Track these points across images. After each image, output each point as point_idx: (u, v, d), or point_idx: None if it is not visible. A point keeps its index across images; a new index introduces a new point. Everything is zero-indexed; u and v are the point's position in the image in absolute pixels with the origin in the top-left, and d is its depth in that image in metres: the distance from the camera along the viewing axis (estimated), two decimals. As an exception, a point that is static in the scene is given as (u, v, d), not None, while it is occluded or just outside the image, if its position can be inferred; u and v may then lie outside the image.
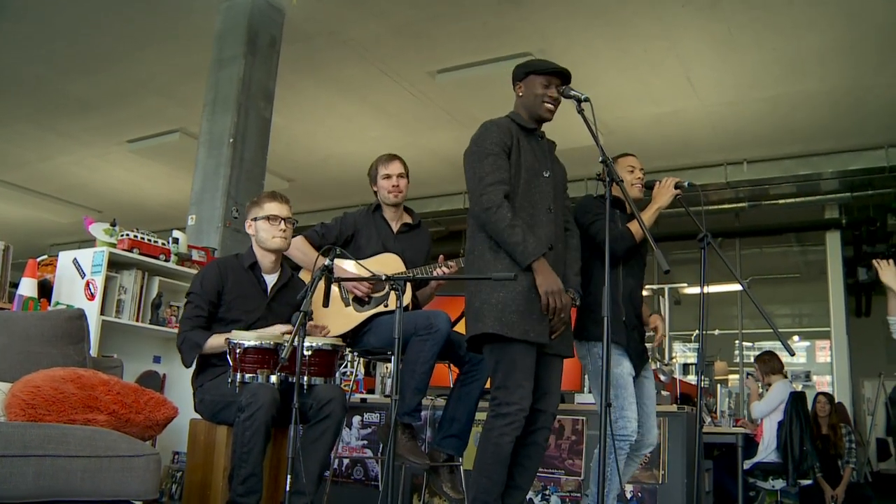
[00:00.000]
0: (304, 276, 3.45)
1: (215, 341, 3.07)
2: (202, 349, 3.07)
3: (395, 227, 3.51)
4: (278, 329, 3.12)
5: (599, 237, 3.02)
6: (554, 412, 2.84)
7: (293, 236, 3.37)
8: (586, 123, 2.64)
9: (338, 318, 3.33)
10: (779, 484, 5.64)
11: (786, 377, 6.23)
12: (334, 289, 3.33)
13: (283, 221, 3.25)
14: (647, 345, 3.44)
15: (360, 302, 3.33)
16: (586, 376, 4.74)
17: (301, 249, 3.37)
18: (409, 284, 3.31)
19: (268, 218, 3.24)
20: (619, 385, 3.08)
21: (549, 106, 2.87)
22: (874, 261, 3.90)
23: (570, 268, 2.91)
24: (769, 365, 6.12)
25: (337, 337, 3.28)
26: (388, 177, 3.47)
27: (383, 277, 2.69)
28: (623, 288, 3.22)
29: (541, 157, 2.87)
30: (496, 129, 2.79)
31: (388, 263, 3.33)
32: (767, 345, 9.35)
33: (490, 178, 2.69)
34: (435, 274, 3.28)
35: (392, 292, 3.07)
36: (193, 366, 3.19)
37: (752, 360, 10.67)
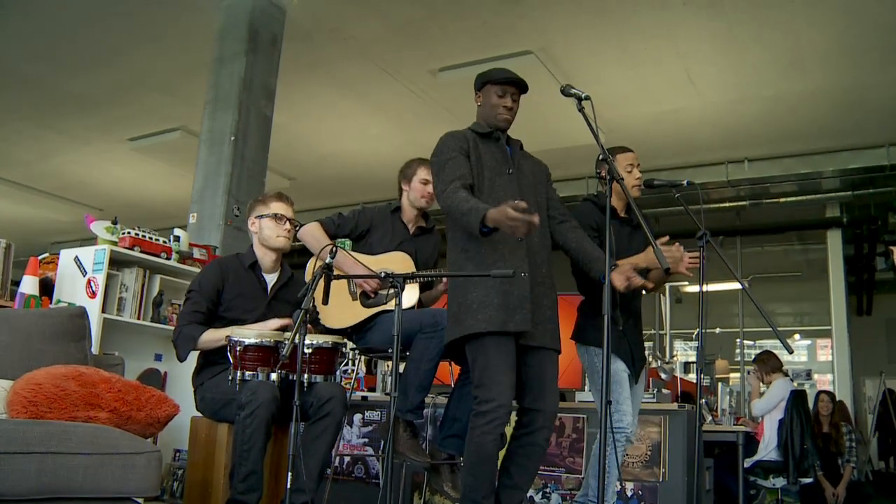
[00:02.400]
0: (311, 265, 3.45)
1: (210, 336, 3.08)
2: (196, 343, 3.08)
3: (411, 229, 3.53)
4: (274, 323, 3.13)
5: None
6: (553, 410, 2.81)
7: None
8: (587, 121, 2.65)
9: (344, 310, 3.33)
10: (779, 482, 5.64)
11: (786, 375, 6.23)
12: (342, 281, 3.34)
13: (287, 221, 3.28)
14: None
15: (366, 297, 3.33)
16: (587, 375, 4.75)
17: (315, 236, 3.37)
18: (416, 285, 3.32)
19: (274, 216, 3.26)
20: (614, 381, 3.12)
21: (505, 116, 2.90)
22: (891, 247, 3.93)
23: (590, 254, 2.88)
24: (768, 364, 6.13)
25: (340, 331, 3.29)
26: (427, 182, 3.45)
27: (382, 275, 2.70)
28: (620, 296, 3.23)
29: (500, 157, 2.89)
30: (451, 138, 2.86)
31: (398, 261, 3.34)
32: (768, 343, 9.35)
33: (448, 177, 2.74)
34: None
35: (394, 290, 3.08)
36: (191, 362, 3.21)
37: (752, 358, 10.70)
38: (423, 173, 3.48)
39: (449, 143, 2.84)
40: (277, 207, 3.29)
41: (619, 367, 3.20)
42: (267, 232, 3.28)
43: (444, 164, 2.79)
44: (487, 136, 2.92)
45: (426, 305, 3.52)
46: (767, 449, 5.75)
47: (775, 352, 6.38)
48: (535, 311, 2.74)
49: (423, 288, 3.48)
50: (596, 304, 3.22)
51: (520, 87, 2.91)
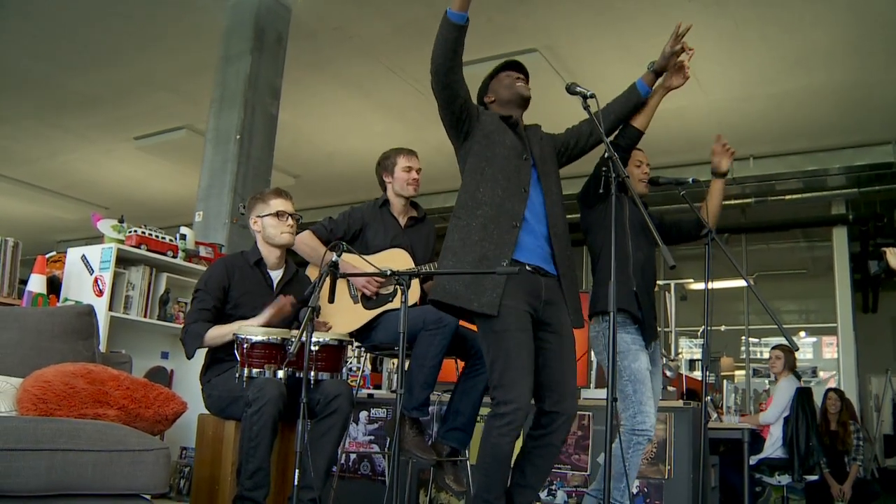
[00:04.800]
0: (311, 272, 3.47)
1: (216, 332, 3.10)
2: (203, 340, 3.09)
3: (402, 221, 3.52)
4: (270, 310, 3.13)
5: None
6: (572, 413, 2.75)
7: (299, 231, 3.40)
8: (592, 120, 2.65)
9: (346, 315, 3.34)
10: (785, 479, 5.64)
11: (795, 374, 6.19)
12: (343, 285, 3.34)
13: (289, 217, 3.29)
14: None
15: (368, 299, 3.34)
16: (593, 373, 4.75)
17: (308, 244, 3.39)
18: (416, 281, 3.32)
19: (276, 214, 3.27)
20: (637, 380, 3.10)
21: (523, 85, 2.95)
22: (883, 249, 3.93)
23: (622, 96, 3.04)
24: (789, 357, 6.08)
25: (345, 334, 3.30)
26: (409, 169, 3.50)
27: (388, 273, 2.70)
28: (633, 261, 3.24)
29: (517, 143, 2.86)
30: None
31: (396, 259, 3.35)
32: (774, 340, 9.35)
33: None
34: None
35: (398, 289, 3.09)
36: (199, 360, 3.22)
37: (759, 355, 10.68)
38: (403, 161, 3.51)
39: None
40: (278, 204, 3.30)
41: (643, 365, 3.15)
42: (270, 231, 3.29)
43: None
44: (505, 120, 2.90)
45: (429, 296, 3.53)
46: (774, 447, 5.74)
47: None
48: (564, 289, 2.77)
49: (424, 281, 3.49)
50: (608, 275, 3.15)
51: (522, 70, 3.00)
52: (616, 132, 3.11)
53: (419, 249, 3.47)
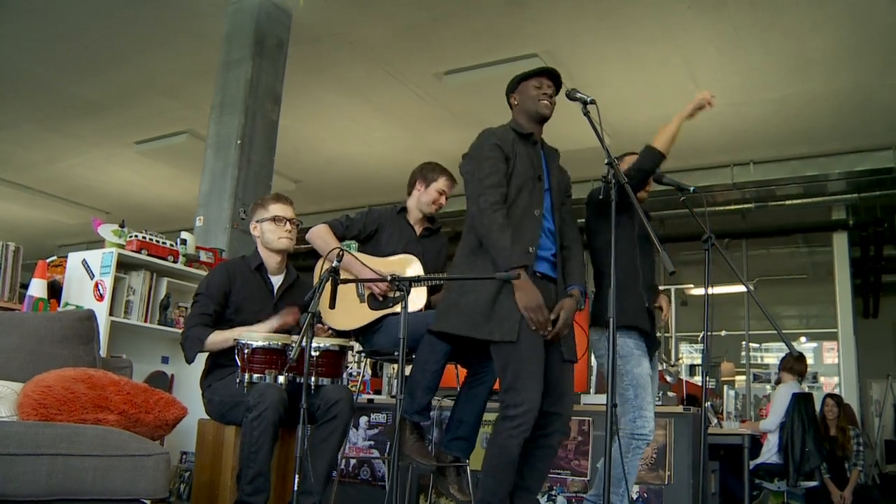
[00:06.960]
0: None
1: (217, 337, 3.11)
2: (203, 344, 3.11)
3: (418, 230, 3.55)
4: (273, 322, 3.14)
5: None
6: (569, 414, 2.84)
7: (299, 236, 3.41)
8: (592, 125, 2.66)
9: (350, 312, 3.34)
10: (784, 485, 5.63)
11: (798, 381, 6.16)
12: (350, 284, 3.35)
13: (287, 222, 3.30)
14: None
15: (374, 300, 3.35)
16: (593, 378, 4.74)
17: (323, 238, 3.39)
18: (424, 289, 3.33)
19: (273, 219, 3.28)
20: (638, 385, 3.10)
21: (546, 102, 2.93)
22: None
23: (572, 260, 2.93)
24: (796, 366, 6.06)
25: (346, 333, 3.30)
26: (442, 192, 3.52)
27: (388, 277, 2.71)
28: (644, 275, 3.24)
29: (536, 163, 2.89)
30: (494, 136, 2.86)
31: (408, 264, 3.36)
32: (774, 346, 9.34)
33: (489, 180, 2.74)
34: None
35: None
36: (199, 365, 3.23)
37: (759, 360, 10.68)
38: (442, 183, 3.52)
39: (491, 140, 2.83)
40: (276, 209, 3.31)
41: (645, 371, 3.16)
42: (269, 235, 3.30)
43: (484, 159, 2.78)
44: (525, 138, 2.91)
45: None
46: (770, 452, 5.74)
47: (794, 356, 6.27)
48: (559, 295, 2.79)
49: (432, 291, 3.50)
50: (623, 282, 3.09)
51: (553, 78, 2.97)
52: (638, 155, 3.19)
53: (430, 259, 3.49)
